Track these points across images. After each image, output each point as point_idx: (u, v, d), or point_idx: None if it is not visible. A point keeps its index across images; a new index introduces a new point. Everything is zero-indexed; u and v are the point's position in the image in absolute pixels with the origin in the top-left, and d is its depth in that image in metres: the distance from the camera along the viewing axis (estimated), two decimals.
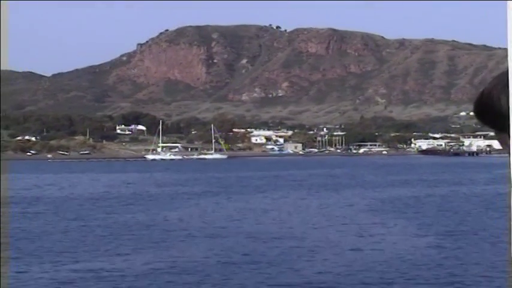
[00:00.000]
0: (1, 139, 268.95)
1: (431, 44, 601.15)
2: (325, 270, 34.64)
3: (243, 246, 43.08)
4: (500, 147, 1.78)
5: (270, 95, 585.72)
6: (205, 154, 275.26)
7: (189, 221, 58.79)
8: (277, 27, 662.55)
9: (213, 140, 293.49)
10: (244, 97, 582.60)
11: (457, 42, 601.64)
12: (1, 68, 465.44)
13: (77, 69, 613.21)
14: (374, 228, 51.85)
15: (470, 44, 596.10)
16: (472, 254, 39.63)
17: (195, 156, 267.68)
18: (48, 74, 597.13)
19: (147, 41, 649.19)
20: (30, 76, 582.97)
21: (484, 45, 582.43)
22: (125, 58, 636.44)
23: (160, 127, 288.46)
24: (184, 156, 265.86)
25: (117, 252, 41.61)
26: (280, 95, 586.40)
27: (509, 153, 1.55)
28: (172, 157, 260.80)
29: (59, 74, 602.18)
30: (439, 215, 61.00)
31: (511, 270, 23.41)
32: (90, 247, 43.42)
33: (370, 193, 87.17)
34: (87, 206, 74.15)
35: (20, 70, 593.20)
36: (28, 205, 74.46)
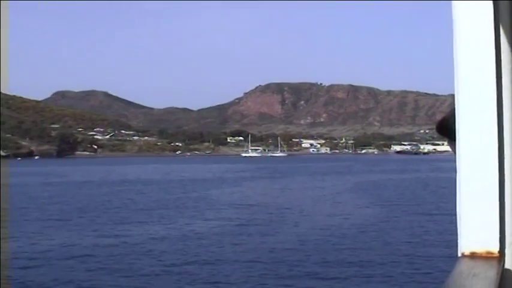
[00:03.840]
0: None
1: (404, 93, 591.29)
2: (303, 228, 27.50)
3: (251, 214, 35.84)
4: (450, 151, 1.61)
5: (316, 121, 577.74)
6: (274, 153, 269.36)
7: (232, 195, 51.58)
8: (320, 83, 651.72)
9: (279, 145, 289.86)
10: (302, 122, 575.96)
11: (419, 92, 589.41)
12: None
13: (211, 106, 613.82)
14: (346, 201, 44.30)
15: (426, 93, 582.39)
16: (408, 222, 32.31)
17: (269, 154, 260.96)
18: (195, 109, 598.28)
19: (249, 91, 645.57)
20: (185, 110, 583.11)
21: (434, 94, 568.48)
22: (237, 100, 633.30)
23: (249, 138, 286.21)
24: (263, 154, 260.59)
25: (167, 218, 34.65)
26: (321, 120, 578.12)
27: (455, 153, 1.40)
28: (256, 155, 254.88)
29: (201, 109, 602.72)
30: (394, 192, 52.86)
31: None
32: (145, 213, 36.51)
33: (354, 178, 78.93)
34: (181, 185, 66.81)
35: (180, 107, 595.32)
36: (141, 184, 67.34)
